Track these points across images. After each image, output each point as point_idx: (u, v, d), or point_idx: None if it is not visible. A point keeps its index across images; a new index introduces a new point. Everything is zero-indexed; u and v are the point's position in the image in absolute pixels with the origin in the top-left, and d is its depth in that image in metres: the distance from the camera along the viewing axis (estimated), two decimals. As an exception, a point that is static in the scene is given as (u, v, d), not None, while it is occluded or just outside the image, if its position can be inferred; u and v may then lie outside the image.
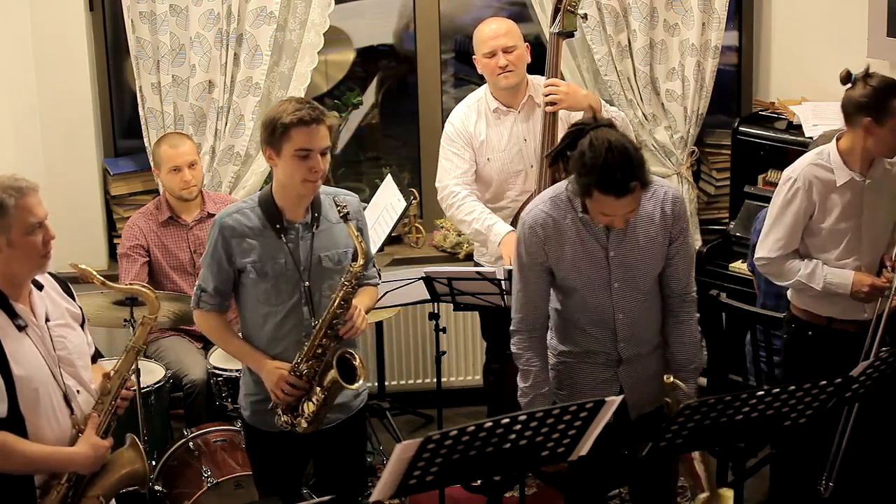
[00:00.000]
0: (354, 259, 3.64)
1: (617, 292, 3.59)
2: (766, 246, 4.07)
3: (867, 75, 3.91)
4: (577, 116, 4.71)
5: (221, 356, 4.57)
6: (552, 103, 4.58)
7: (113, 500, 3.50)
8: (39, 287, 3.33)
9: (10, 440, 3.17)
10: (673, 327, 3.69)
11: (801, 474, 4.19)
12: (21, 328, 3.21)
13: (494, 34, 4.63)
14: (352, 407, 3.77)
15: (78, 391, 3.35)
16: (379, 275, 3.92)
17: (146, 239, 4.89)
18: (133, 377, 3.53)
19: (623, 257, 3.57)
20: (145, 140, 5.24)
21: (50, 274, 3.42)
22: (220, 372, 4.48)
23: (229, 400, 4.45)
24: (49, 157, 5.25)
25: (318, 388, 3.60)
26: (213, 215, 4.83)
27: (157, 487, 4.24)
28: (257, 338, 3.69)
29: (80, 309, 3.46)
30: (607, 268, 3.57)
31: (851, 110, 3.93)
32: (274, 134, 3.53)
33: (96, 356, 3.54)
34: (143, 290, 3.55)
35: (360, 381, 3.62)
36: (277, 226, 3.61)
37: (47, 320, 3.29)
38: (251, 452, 3.91)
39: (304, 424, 3.62)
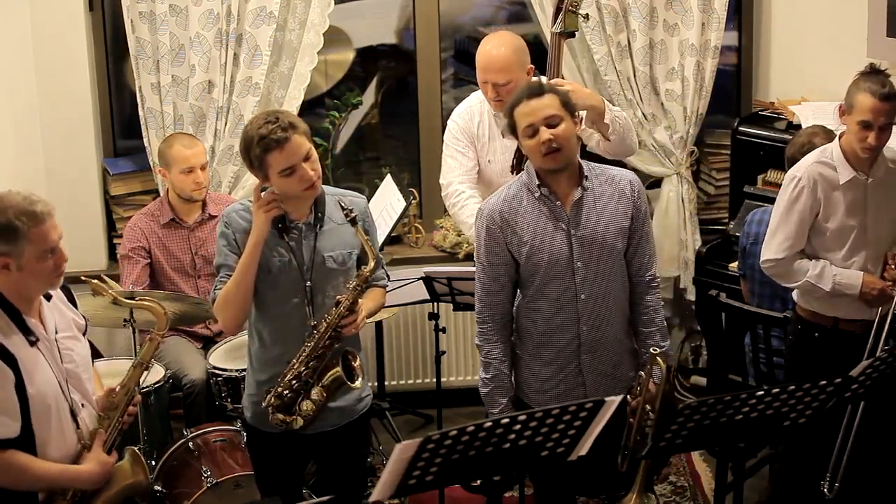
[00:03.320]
0: (361, 262, 3.66)
1: (580, 272, 3.64)
2: (773, 247, 4.07)
3: (873, 71, 3.92)
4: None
5: (221, 356, 4.57)
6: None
7: None
8: (48, 297, 3.31)
9: (23, 460, 3.16)
10: (641, 313, 3.76)
11: (803, 474, 4.18)
12: (33, 343, 3.19)
13: (488, 66, 4.44)
14: (355, 410, 3.77)
15: (83, 405, 3.34)
16: (388, 276, 3.90)
17: (147, 240, 4.88)
18: (139, 394, 3.50)
19: (585, 237, 3.63)
20: (145, 140, 5.24)
21: None
22: (220, 372, 4.47)
23: (229, 400, 4.44)
24: (49, 157, 5.24)
25: (317, 388, 3.60)
26: (214, 216, 4.85)
27: (157, 487, 4.23)
28: (258, 336, 3.69)
29: (84, 318, 3.45)
30: (569, 247, 3.63)
31: None
32: (253, 165, 3.55)
33: (93, 356, 3.52)
34: (153, 305, 3.52)
35: (360, 380, 3.64)
36: (280, 225, 3.61)
37: (56, 332, 3.27)
38: (253, 453, 3.91)
39: (301, 422, 3.62)
